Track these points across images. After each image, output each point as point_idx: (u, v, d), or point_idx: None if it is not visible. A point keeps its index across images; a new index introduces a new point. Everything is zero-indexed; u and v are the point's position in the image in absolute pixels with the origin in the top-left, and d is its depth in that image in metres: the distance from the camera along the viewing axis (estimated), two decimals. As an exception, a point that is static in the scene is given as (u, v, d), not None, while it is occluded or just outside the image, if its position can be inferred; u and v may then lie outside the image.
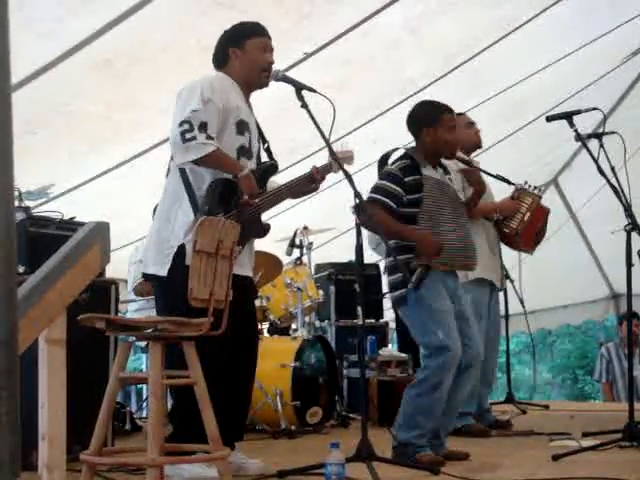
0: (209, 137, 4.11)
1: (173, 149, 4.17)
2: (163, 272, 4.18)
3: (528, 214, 5.75)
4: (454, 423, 5.03)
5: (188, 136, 4.06)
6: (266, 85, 4.52)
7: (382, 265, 7.64)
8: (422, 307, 4.57)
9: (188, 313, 3.53)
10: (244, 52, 4.43)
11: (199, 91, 4.18)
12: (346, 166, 4.42)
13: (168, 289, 4.20)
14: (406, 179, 4.66)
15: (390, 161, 4.88)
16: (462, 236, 4.75)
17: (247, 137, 4.41)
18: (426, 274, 4.56)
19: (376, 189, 4.71)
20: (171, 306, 4.00)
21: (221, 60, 4.47)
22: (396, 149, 4.95)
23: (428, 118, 4.84)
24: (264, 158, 4.63)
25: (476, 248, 4.89)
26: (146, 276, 4.41)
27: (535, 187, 5.81)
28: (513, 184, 5.84)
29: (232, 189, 4.21)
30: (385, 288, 8.24)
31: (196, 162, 4.12)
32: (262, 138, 4.62)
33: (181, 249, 4.14)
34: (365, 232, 4.32)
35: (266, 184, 4.52)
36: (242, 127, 4.37)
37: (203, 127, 4.10)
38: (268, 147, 4.63)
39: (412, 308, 4.62)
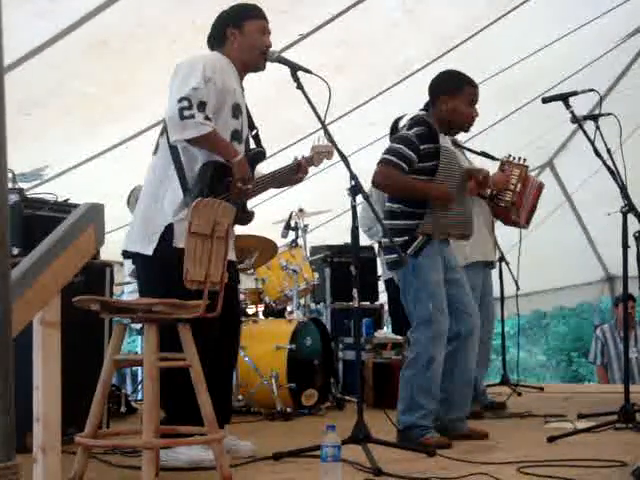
0: (207, 117, 4.05)
1: (170, 125, 4.07)
2: (148, 251, 4.10)
3: (519, 185, 5.75)
4: (472, 393, 5.06)
5: (187, 114, 3.98)
6: (263, 68, 4.47)
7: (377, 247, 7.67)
8: (418, 276, 4.61)
9: (169, 294, 3.50)
10: (243, 34, 4.37)
11: (201, 68, 4.10)
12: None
13: (152, 268, 4.14)
14: (422, 146, 4.66)
15: (401, 124, 4.87)
16: (464, 210, 4.81)
17: (240, 121, 4.36)
18: (426, 243, 4.62)
19: (390, 151, 4.70)
20: (153, 286, 3.99)
21: (218, 40, 4.40)
22: (406, 114, 4.94)
23: (450, 86, 4.85)
24: (252, 145, 4.59)
25: (473, 219, 4.94)
26: (127, 254, 4.30)
27: (519, 158, 5.80)
28: (497, 159, 5.84)
29: (223, 173, 4.15)
30: (380, 270, 8.31)
31: (191, 141, 4.05)
32: (251, 124, 4.56)
33: (168, 229, 4.07)
34: (358, 214, 4.32)
35: (254, 171, 4.48)
36: (237, 111, 4.32)
37: (202, 106, 4.04)
38: (257, 134, 4.57)
39: (407, 275, 4.66)
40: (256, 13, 4.45)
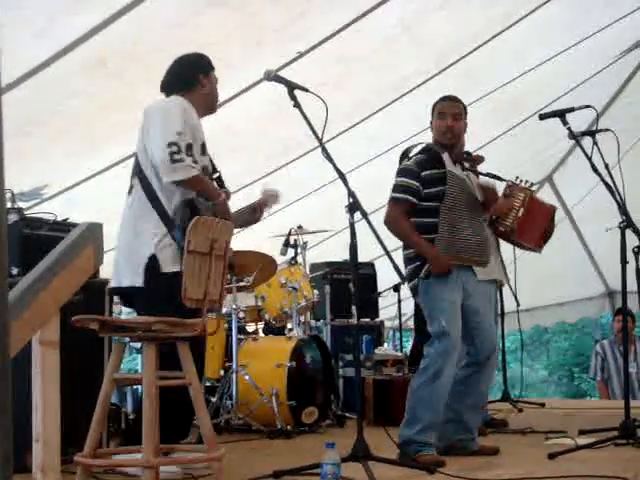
0: (194, 161, 4.33)
1: (161, 168, 4.27)
2: (139, 282, 4.29)
3: (522, 210, 5.73)
4: (480, 416, 5.16)
5: (177, 157, 4.22)
6: (215, 112, 4.79)
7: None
8: (429, 295, 4.75)
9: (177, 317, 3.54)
10: (210, 81, 4.68)
11: (179, 112, 4.37)
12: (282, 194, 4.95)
13: (150, 298, 4.29)
14: (423, 173, 4.79)
15: (411, 154, 4.98)
16: (477, 233, 4.89)
17: (207, 158, 4.59)
18: None
19: (395, 187, 4.85)
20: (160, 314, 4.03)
21: (185, 84, 4.63)
22: (419, 144, 5.04)
23: (432, 109, 5.05)
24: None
25: (489, 246, 5.01)
26: (118, 290, 4.49)
27: (527, 181, 5.79)
28: (504, 180, 5.83)
29: (195, 211, 4.31)
30: (380, 287, 8.32)
31: (180, 183, 4.28)
32: (213, 167, 4.77)
33: (152, 260, 4.27)
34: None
35: None
36: (204, 148, 4.55)
37: (189, 149, 4.31)
38: (219, 177, 4.80)
39: (422, 297, 4.80)
40: (212, 65, 4.75)
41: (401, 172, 4.87)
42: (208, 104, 4.69)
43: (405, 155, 5.01)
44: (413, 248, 4.80)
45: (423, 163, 4.80)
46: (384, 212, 4.92)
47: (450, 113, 4.95)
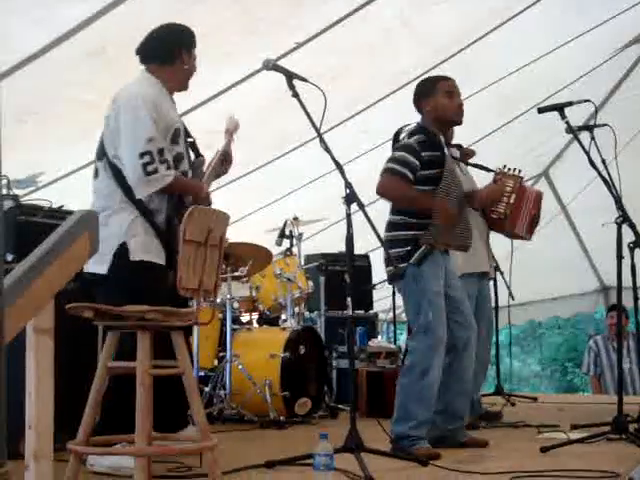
0: (169, 167, 4.22)
1: (135, 182, 4.19)
2: (102, 270, 4.19)
3: (513, 196, 5.72)
4: (469, 403, 5.13)
5: (150, 169, 4.15)
6: (186, 89, 4.65)
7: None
8: (419, 284, 4.65)
9: None
10: (190, 58, 4.53)
11: (148, 111, 4.22)
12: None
13: (110, 287, 4.21)
14: (423, 154, 4.70)
15: (402, 135, 4.90)
16: (464, 219, 4.86)
17: (180, 142, 4.46)
18: (429, 253, 4.64)
19: (393, 159, 4.75)
20: (115, 304, 4.00)
21: (164, 57, 4.48)
22: (407, 125, 4.96)
23: (425, 89, 4.94)
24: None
25: (472, 231, 5.00)
26: (82, 276, 4.25)
27: (515, 169, 5.79)
28: (492, 170, 5.83)
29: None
30: (375, 279, 8.31)
31: (157, 192, 4.22)
32: (187, 134, 4.64)
33: (122, 247, 4.19)
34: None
35: (197, 174, 4.63)
36: (176, 136, 4.42)
37: (161, 154, 4.20)
38: (193, 142, 4.68)
39: (409, 284, 4.68)
40: (196, 41, 4.59)
41: (403, 147, 4.75)
42: (183, 81, 4.55)
43: (397, 135, 4.93)
44: (414, 204, 4.69)
45: (423, 144, 4.72)
46: (380, 202, 4.90)
47: (457, 92, 4.92)
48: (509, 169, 5.71)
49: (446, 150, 4.81)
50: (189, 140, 4.62)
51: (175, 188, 4.27)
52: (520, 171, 5.72)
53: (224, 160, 4.73)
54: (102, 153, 4.35)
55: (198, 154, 4.67)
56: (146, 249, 4.23)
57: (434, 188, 4.70)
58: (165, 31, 4.55)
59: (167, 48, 4.49)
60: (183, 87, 4.58)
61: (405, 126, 4.95)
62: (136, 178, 4.17)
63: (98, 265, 4.17)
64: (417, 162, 4.67)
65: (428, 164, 4.69)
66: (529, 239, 6.04)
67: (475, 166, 5.91)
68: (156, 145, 4.18)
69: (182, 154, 4.46)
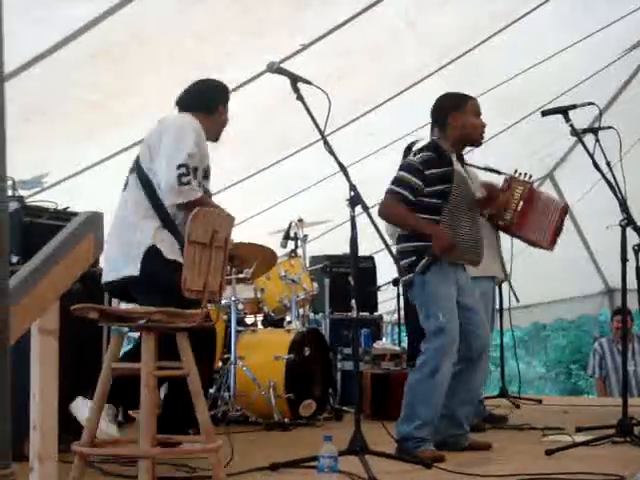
0: (199, 184, 4.45)
1: (167, 189, 4.35)
2: (136, 271, 4.32)
3: (521, 203, 5.71)
4: (473, 411, 5.14)
5: (184, 180, 4.32)
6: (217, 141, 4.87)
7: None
8: (426, 291, 4.69)
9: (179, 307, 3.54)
10: (225, 113, 4.83)
11: (193, 135, 4.45)
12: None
13: (149, 287, 4.30)
14: (428, 172, 4.70)
15: (414, 148, 4.89)
16: (474, 232, 4.86)
17: (209, 182, 4.70)
18: (433, 262, 4.66)
19: (394, 181, 4.77)
20: (159, 296, 4.02)
21: (207, 108, 4.74)
22: (418, 140, 4.96)
23: (455, 103, 4.94)
24: None
25: (484, 245, 4.99)
26: (112, 284, 4.50)
27: (526, 174, 5.77)
28: (503, 174, 5.82)
29: None
30: (380, 281, 8.31)
31: (182, 205, 4.35)
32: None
33: (152, 248, 4.34)
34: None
35: None
36: (208, 172, 4.64)
37: (195, 172, 4.42)
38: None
39: (417, 292, 4.73)
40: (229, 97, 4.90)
41: (405, 167, 4.78)
42: (218, 132, 4.81)
43: (409, 149, 4.95)
44: (412, 229, 4.73)
45: (430, 162, 4.71)
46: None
47: (479, 113, 4.95)
48: (520, 174, 5.70)
49: (455, 166, 4.79)
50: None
51: (200, 206, 4.31)
52: (531, 176, 5.71)
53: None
54: (135, 167, 4.53)
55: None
56: (174, 251, 4.33)
57: (441, 203, 4.71)
58: (205, 84, 4.83)
59: (207, 99, 4.77)
60: (217, 138, 4.83)
61: (416, 141, 4.95)
62: (169, 186, 4.33)
63: (130, 267, 4.34)
64: (419, 182, 4.68)
65: (434, 180, 4.70)
66: (551, 249, 5.99)
67: (486, 169, 5.88)
68: (194, 162, 4.39)
69: (209, 192, 4.69)
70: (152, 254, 4.31)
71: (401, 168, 4.81)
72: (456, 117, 4.87)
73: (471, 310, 4.81)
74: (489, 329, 4.96)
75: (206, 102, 4.75)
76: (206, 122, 4.66)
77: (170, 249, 4.33)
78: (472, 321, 4.78)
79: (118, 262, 4.39)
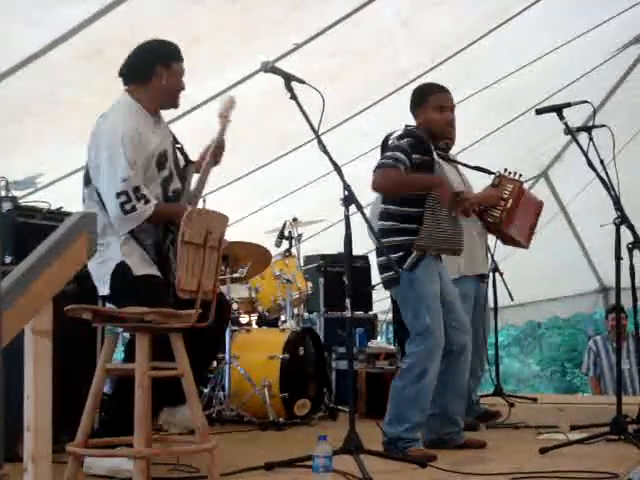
0: (147, 201, 4.16)
1: (116, 222, 4.16)
2: (105, 291, 4.21)
3: (510, 201, 5.72)
4: (465, 404, 5.13)
5: (128, 207, 4.11)
6: (177, 107, 4.54)
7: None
8: (414, 290, 4.64)
9: None
10: (170, 73, 4.38)
11: (123, 150, 4.13)
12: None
13: (118, 303, 4.16)
14: (413, 156, 4.67)
15: (390, 141, 4.87)
16: (454, 223, 4.82)
17: (168, 165, 4.40)
18: (422, 258, 4.64)
19: (385, 156, 4.72)
20: None
21: (143, 74, 4.37)
22: (395, 131, 4.94)
23: (417, 98, 4.94)
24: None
25: (464, 234, 4.96)
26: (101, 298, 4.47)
27: (516, 173, 5.78)
28: (493, 173, 5.82)
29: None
30: (374, 280, 8.30)
31: (139, 225, 4.19)
32: (175, 141, 4.58)
33: (120, 266, 4.16)
34: (368, 215, 4.38)
35: (189, 184, 4.56)
36: (162, 161, 4.36)
37: (137, 191, 4.13)
38: (181, 148, 4.60)
39: (404, 290, 4.69)
40: (180, 56, 4.45)
41: (394, 148, 4.71)
42: (165, 98, 4.41)
43: (386, 141, 4.91)
44: (416, 189, 4.66)
45: (414, 147, 4.69)
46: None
47: (450, 106, 4.91)
48: (509, 173, 5.71)
49: (435, 156, 4.77)
50: (177, 147, 4.56)
51: (155, 219, 4.22)
52: (520, 175, 5.71)
53: (218, 149, 4.61)
54: (88, 180, 4.31)
55: (187, 160, 4.60)
56: (144, 264, 4.20)
57: (424, 194, 4.67)
58: (142, 48, 4.43)
59: (141, 66, 4.38)
60: (168, 104, 4.48)
61: (392, 133, 4.93)
62: (115, 218, 4.15)
63: (102, 287, 4.22)
64: (408, 161, 4.63)
65: (418, 167, 4.67)
66: (527, 247, 6.02)
67: (475, 168, 5.89)
68: (131, 184, 4.11)
69: (171, 175, 4.40)
70: (120, 272, 4.15)
71: (390, 149, 4.74)
72: (419, 112, 4.88)
73: (451, 304, 4.79)
74: (469, 323, 4.91)
75: (140, 69, 4.37)
76: (145, 91, 4.35)
77: (139, 262, 4.18)
78: (453, 316, 4.76)
79: (96, 280, 4.29)
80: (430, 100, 4.87)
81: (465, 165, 5.73)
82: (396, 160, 4.63)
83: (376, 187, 4.71)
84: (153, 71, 4.34)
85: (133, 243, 4.21)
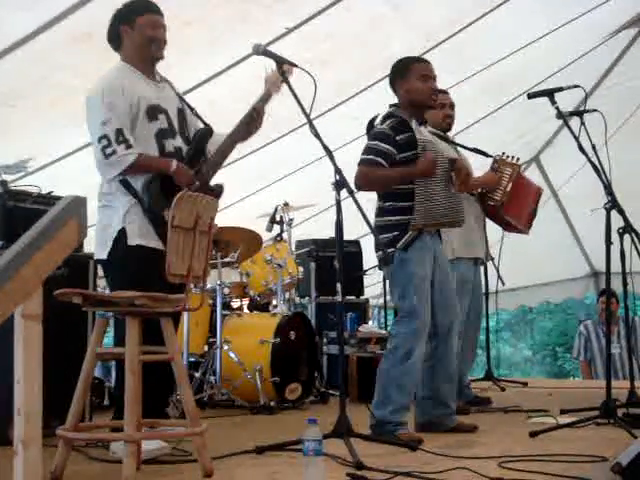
0: (128, 146, 4.20)
1: (98, 167, 4.26)
2: (103, 255, 4.29)
3: (510, 184, 5.73)
4: (457, 388, 5.15)
5: (108, 151, 4.16)
6: (162, 57, 4.49)
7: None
8: (404, 270, 4.64)
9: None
10: (134, 29, 4.41)
11: (99, 99, 4.22)
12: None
13: (111, 271, 4.35)
14: (398, 137, 4.67)
15: (376, 122, 4.87)
16: (450, 194, 4.80)
17: (163, 118, 4.42)
18: (416, 237, 4.64)
19: (367, 150, 4.72)
20: (118, 287, 4.01)
21: (115, 40, 4.47)
22: (378, 114, 4.94)
23: (399, 70, 4.90)
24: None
25: (463, 205, 4.94)
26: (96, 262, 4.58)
27: (513, 157, 5.78)
28: (490, 156, 5.82)
29: (172, 182, 4.29)
30: (366, 265, 8.32)
31: (122, 173, 4.22)
32: (188, 106, 4.62)
33: (121, 233, 4.25)
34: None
35: (205, 150, 4.58)
36: (153, 112, 4.38)
37: (120, 135, 4.18)
38: (196, 113, 4.65)
39: (396, 269, 4.67)
40: (148, 7, 4.46)
41: (376, 135, 4.73)
42: (142, 52, 4.42)
43: (372, 123, 4.91)
44: (399, 182, 4.65)
45: (396, 128, 4.68)
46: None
47: (432, 76, 4.89)
48: (507, 157, 5.72)
49: (417, 133, 4.74)
50: (191, 109, 4.61)
51: (139, 168, 4.24)
52: (518, 159, 5.72)
53: (252, 119, 4.62)
54: None
55: (204, 123, 4.62)
56: (142, 234, 4.25)
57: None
58: (111, 16, 4.49)
59: (112, 32, 4.48)
60: (151, 58, 4.46)
61: (376, 116, 4.92)
62: (97, 162, 4.24)
63: (101, 251, 4.30)
64: (391, 148, 4.64)
65: (404, 146, 4.67)
66: (527, 233, 6.03)
67: (474, 150, 5.89)
68: (112, 126, 4.18)
69: (166, 130, 4.42)
70: (120, 239, 4.25)
71: (371, 137, 4.77)
72: (401, 84, 4.84)
73: (441, 283, 4.78)
74: (458, 307, 4.91)
75: (111, 35, 4.48)
76: (126, 54, 4.44)
77: (137, 232, 4.24)
78: (440, 297, 4.76)
79: (95, 243, 4.36)
80: (412, 69, 4.84)
81: (463, 147, 5.73)
82: (377, 153, 4.65)
83: (358, 187, 4.66)
84: (120, 33, 4.44)
85: (138, 210, 4.27)
